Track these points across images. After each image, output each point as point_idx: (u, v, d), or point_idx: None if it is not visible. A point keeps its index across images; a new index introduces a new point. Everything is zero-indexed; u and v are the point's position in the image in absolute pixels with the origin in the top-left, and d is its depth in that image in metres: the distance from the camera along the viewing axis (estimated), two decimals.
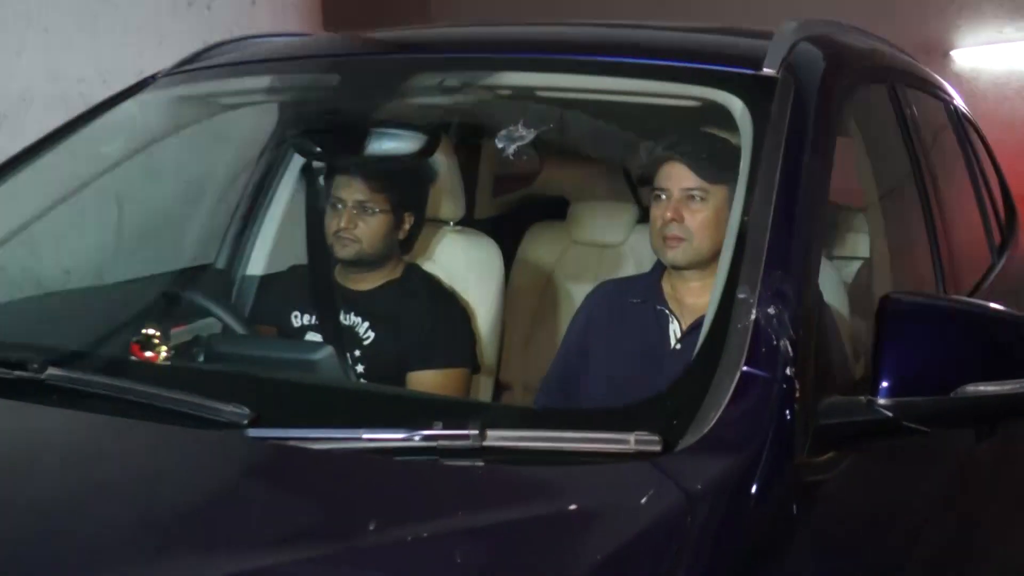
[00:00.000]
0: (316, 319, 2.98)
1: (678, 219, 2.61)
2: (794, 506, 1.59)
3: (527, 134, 2.18)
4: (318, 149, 2.91)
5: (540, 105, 2.59)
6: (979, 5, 9.33)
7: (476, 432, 1.56)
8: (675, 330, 2.69)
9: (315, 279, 3.03)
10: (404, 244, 3.01)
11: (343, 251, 2.92)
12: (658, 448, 1.56)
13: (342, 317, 2.96)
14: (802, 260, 1.83)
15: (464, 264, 3.19)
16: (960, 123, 3.40)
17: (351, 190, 2.90)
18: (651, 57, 2.35)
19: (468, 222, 3.43)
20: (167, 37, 4.39)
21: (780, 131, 2.02)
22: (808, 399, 1.69)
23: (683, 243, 2.62)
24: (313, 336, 2.96)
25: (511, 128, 2.19)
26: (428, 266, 3.18)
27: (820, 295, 1.88)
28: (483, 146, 3.99)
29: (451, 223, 3.25)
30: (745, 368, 1.64)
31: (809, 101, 2.13)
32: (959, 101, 3.59)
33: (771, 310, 1.71)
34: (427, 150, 2.94)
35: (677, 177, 2.62)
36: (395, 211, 2.92)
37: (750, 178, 1.96)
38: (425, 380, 2.84)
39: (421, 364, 2.86)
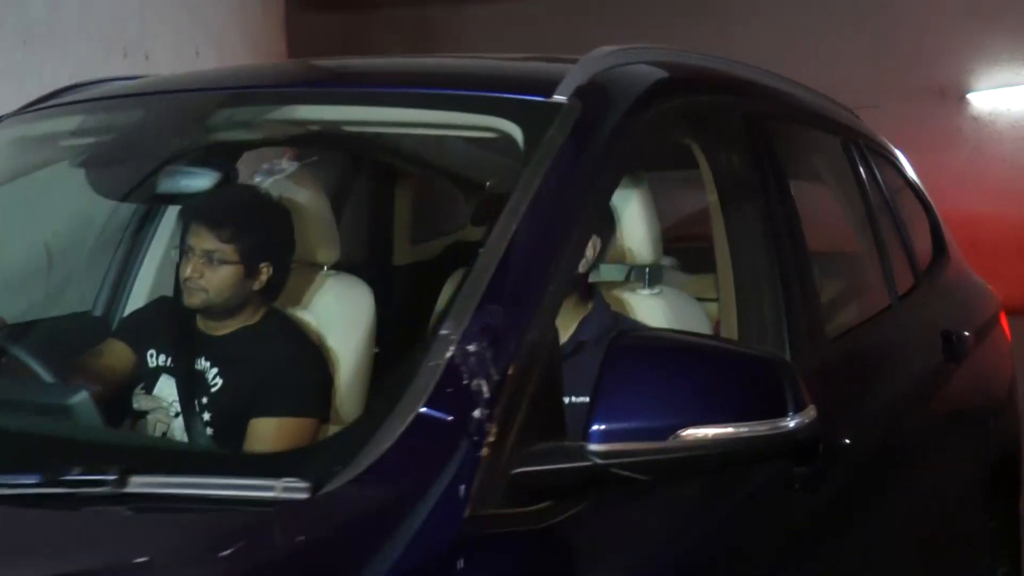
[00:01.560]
0: (171, 361, 2.89)
1: None
2: (460, 561, 1.45)
3: (288, 167, 2.07)
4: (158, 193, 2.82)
5: None
6: (995, 49, 9.15)
7: (115, 478, 1.44)
8: None
9: (176, 320, 2.93)
10: (266, 292, 2.90)
11: (190, 299, 2.82)
12: (305, 495, 1.42)
13: (196, 362, 2.86)
14: (536, 296, 1.70)
15: (335, 310, 3.07)
16: (862, 158, 3.23)
17: (199, 238, 2.80)
18: (444, 87, 2.24)
19: (384, 269, 3.34)
20: None
21: (544, 160, 1.89)
22: (507, 444, 1.55)
23: None
24: (165, 379, 2.87)
25: (273, 163, 2.09)
26: (299, 312, 3.07)
27: (555, 335, 1.74)
28: (398, 189, 3.90)
29: (325, 267, 3.14)
30: (423, 410, 1.51)
31: (592, 130, 2.00)
32: (867, 133, 3.42)
33: (473, 347, 1.58)
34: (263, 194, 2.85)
35: None
36: (247, 262, 2.81)
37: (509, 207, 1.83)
38: (265, 428, 2.73)
39: (264, 411, 2.74)
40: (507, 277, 1.70)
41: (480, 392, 1.54)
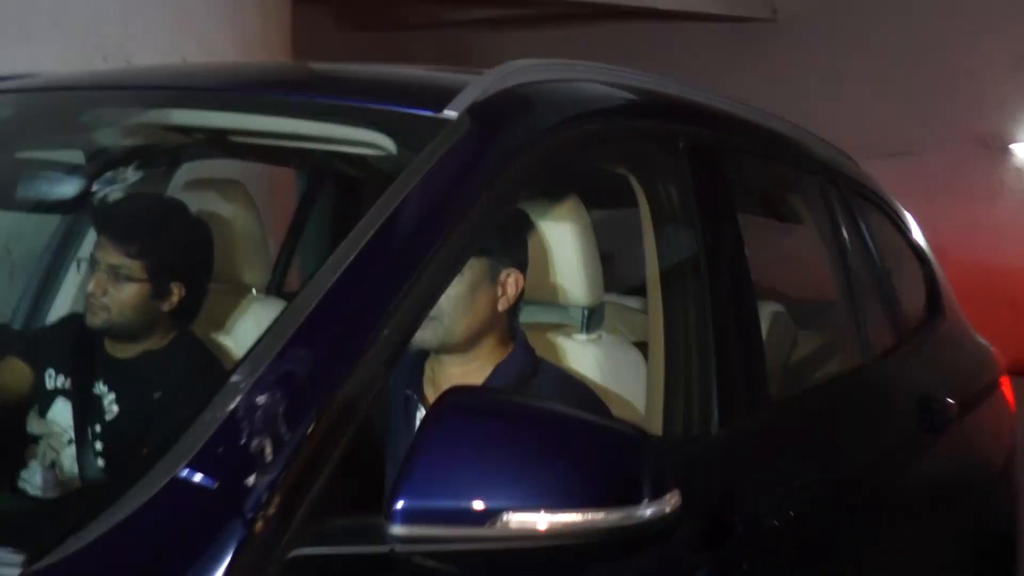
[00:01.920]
0: (69, 383, 2.66)
1: None
2: None
3: (133, 176, 1.84)
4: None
5: None
6: None
7: None
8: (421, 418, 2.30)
9: (80, 340, 2.71)
10: (177, 315, 2.67)
11: (91, 318, 2.59)
12: (15, 571, 1.18)
13: (95, 386, 2.64)
14: (362, 341, 1.44)
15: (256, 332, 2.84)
16: (843, 201, 2.95)
17: (105, 251, 2.57)
18: (328, 95, 1.99)
19: None
20: None
21: (407, 182, 1.65)
22: (293, 519, 1.29)
23: (432, 322, 2.24)
24: (62, 402, 2.64)
25: (117, 171, 1.85)
26: (220, 337, 2.84)
27: (384, 389, 1.49)
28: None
29: (254, 290, 2.91)
30: (182, 472, 1.26)
31: (477, 153, 1.75)
32: (856, 177, 3.13)
33: (263, 399, 1.33)
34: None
35: None
36: (154, 280, 2.58)
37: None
38: None
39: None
40: (329, 317, 1.45)
41: (262, 454, 1.29)
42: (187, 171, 2.92)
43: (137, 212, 2.68)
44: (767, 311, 3.15)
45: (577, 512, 1.33)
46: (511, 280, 2.30)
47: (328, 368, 1.40)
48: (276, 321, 1.44)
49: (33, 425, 2.66)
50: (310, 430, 1.34)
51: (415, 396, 2.34)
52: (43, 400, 2.66)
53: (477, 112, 1.82)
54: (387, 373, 1.48)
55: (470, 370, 2.32)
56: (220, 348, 2.83)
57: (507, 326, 2.37)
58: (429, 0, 9.94)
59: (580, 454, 1.36)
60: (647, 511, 1.38)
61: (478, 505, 1.31)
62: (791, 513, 2.08)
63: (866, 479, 2.53)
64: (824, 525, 2.22)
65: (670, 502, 1.40)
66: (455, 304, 2.24)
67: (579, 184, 2.42)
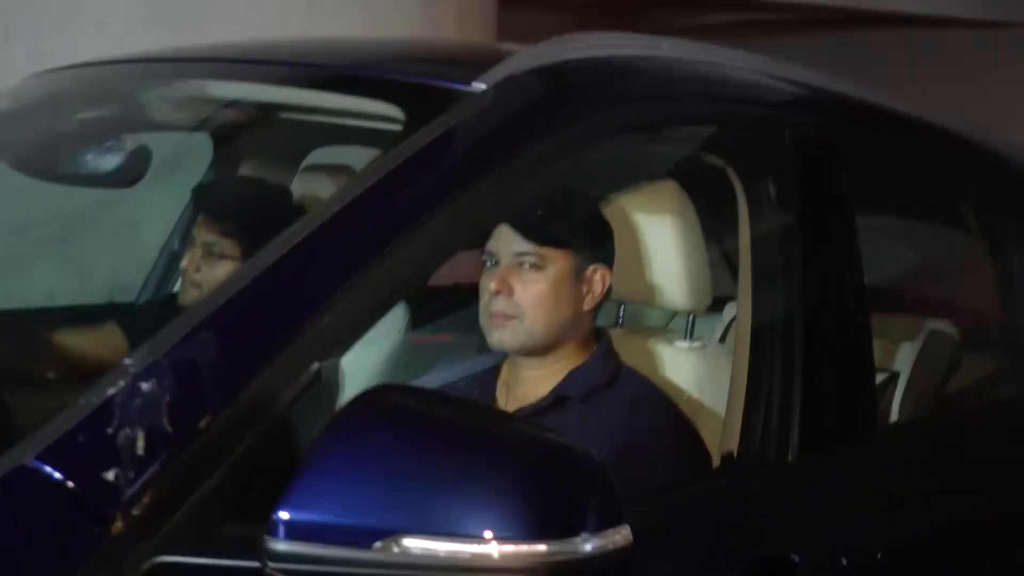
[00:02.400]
0: None
1: (505, 292, 2.05)
2: None
3: (127, 145, 1.72)
4: None
5: None
6: None
7: None
8: None
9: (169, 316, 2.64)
10: None
11: (183, 295, 2.55)
12: None
13: None
14: (293, 328, 1.27)
15: None
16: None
17: (201, 229, 2.52)
18: (350, 67, 1.83)
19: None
20: None
21: (398, 155, 1.47)
22: (163, 523, 1.13)
23: (512, 321, 2.06)
24: None
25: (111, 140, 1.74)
26: None
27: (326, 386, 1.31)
28: None
29: None
30: (32, 461, 1.12)
31: (493, 128, 1.56)
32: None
33: (149, 386, 1.17)
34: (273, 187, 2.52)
35: (506, 238, 2.06)
36: (247, 259, 2.49)
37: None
38: None
39: None
40: (254, 301, 1.28)
41: (132, 447, 1.13)
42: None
43: (236, 192, 2.63)
44: (924, 329, 2.81)
45: (491, 541, 1.11)
46: (598, 277, 2.10)
47: (239, 358, 1.23)
48: (198, 302, 1.28)
49: None
50: (203, 424, 1.18)
51: (483, 397, 2.16)
52: None
53: (506, 86, 1.63)
54: (327, 369, 1.29)
55: (545, 374, 2.12)
56: None
57: (591, 328, 2.16)
58: (659, 6, 9.69)
59: (505, 473, 1.15)
60: (586, 546, 1.15)
61: (368, 523, 1.11)
62: (865, 559, 1.77)
63: (984, 533, 2.16)
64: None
65: (616, 537, 1.16)
66: (538, 302, 2.05)
67: (673, 175, 2.17)
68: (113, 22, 3.93)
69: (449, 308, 2.76)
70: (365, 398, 1.19)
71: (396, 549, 1.10)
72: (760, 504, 1.80)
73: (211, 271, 2.48)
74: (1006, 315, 2.48)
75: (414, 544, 1.11)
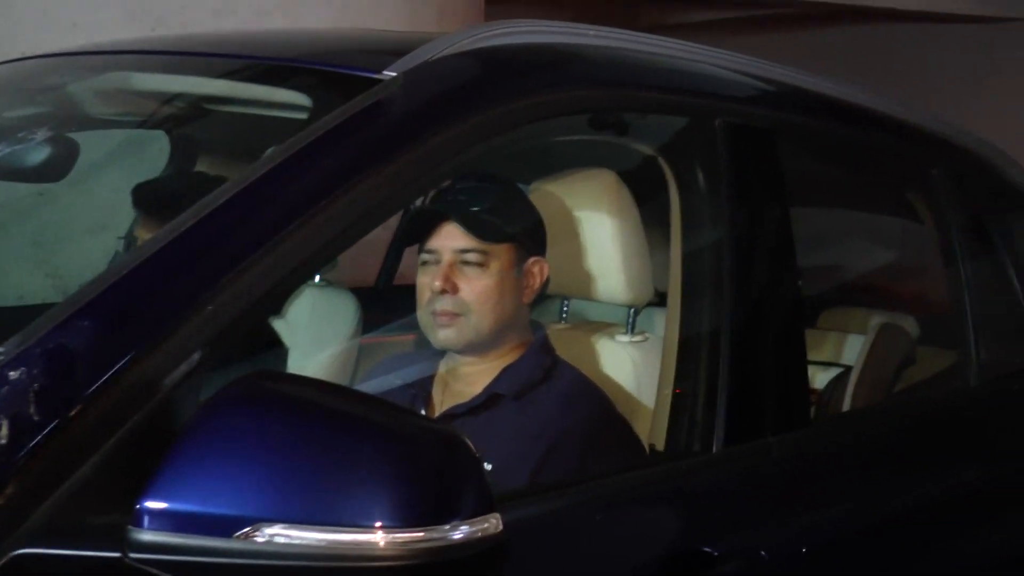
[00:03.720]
0: None
1: (451, 290, 2.04)
2: None
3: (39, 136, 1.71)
4: None
5: None
6: None
7: None
8: None
9: None
10: None
11: None
12: None
13: None
14: (173, 316, 1.26)
15: (307, 324, 2.71)
16: (972, 197, 2.55)
17: (142, 228, 2.50)
18: (262, 57, 1.82)
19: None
20: None
21: (295, 143, 1.46)
22: (30, 512, 1.13)
23: (458, 319, 2.05)
24: None
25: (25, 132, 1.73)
26: (276, 322, 2.73)
27: (196, 375, 1.29)
28: None
29: (316, 277, 2.78)
30: None
31: (395, 116, 1.55)
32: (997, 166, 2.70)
33: (17, 374, 1.17)
34: None
35: (448, 234, 2.05)
36: None
37: None
38: None
39: None
40: (137, 287, 1.28)
41: None
42: None
43: (172, 189, 2.60)
44: (872, 322, 2.80)
45: (357, 529, 1.11)
46: (537, 269, 2.09)
47: (115, 346, 1.22)
48: (80, 289, 1.27)
49: None
50: (73, 413, 1.17)
51: (420, 395, 2.15)
52: None
53: (416, 73, 1.62)
54: (212, 357, 1.29)
55: (481, 371, 2.11)
56: (274, 336, 2.72)
57: (527, 322, 2.15)
58: (657, 2, 9.66)
59: (375, 461, 1.14)
60: (456, 533, 1.14)
61: (230, 512, 1.10)
62: (783, 553, 1.76)
63: (922, 528, 2.13)
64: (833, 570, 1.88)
65: (485, 525, 1.15)
66: (484, 299, 2.04)
67: (606, 164, 2.16)
68: (86, 22, 3.93)
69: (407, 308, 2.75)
70: (238, 384, 1.18)
71: (259, 538, 1.09)
72: (678, 496, 1.79)
73: None
74: (956, 306, 2.45)
75: (277, 532, 1.10)
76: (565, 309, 2.46)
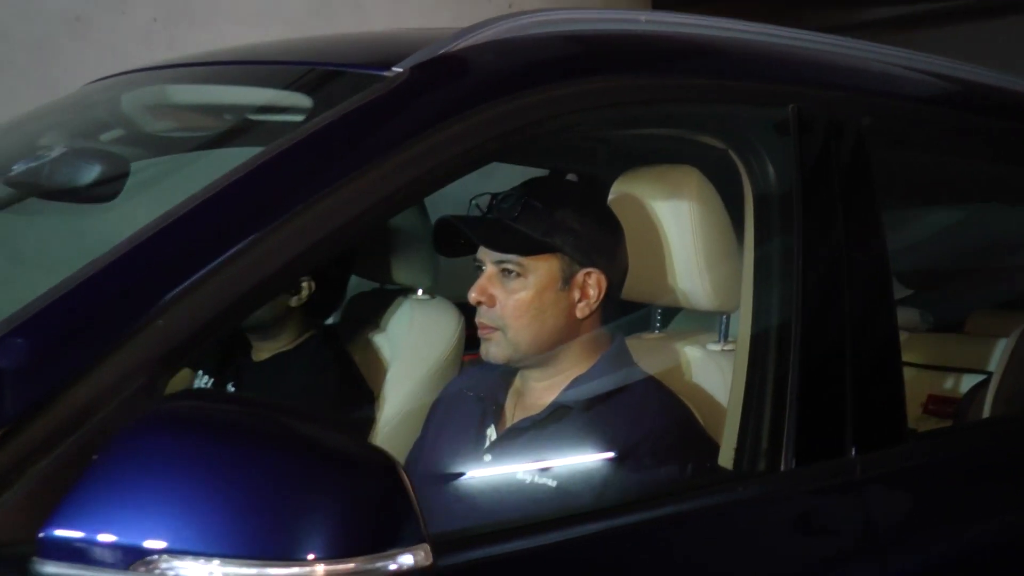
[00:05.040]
0: (210, 385, 2.59)
1: (487, 302, 1.94)
2: None
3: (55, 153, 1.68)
4: None
5: None
6: None
7: None
8: (491, 433, 2.00)
9: (229, 340, 2.63)
10: (309, 312, 2.52)
11: None
12: None
13: (224, 389, 2.55)
14: (120, 333, 1.19)
15: (411, 338, 2.63)
16: None
17: None
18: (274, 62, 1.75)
19: None
20: None
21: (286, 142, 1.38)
22: None
23: (496, 334, 1.94)
24: None
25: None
26: (379, 339, 2.67)
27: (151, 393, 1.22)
28: None
29: (419, 291, 2.71)
30: None
31: (394, 109, 1.45)
32: None
33: None
34: None
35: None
36: None
37: None
38: None
39: None
40: (82, 301, 1.21)
41: None
42: None
43: None
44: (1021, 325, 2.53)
45: (269, 563, 1.00)
46: (591, 281, 1.94)
47: (49, 364, 1.15)
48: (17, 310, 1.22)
49: None
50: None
51: (492, 406, 2.03)
52: None
53: (420, 70, 1.52)
54: (164, 376, 1.21)
55: (548, 385, 2.00)
56: (375, 350, 2.66)
57: (595, 335, 2.00)
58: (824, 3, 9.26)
59: (291, 485, 1.03)
60: (377, 564, 1.02)
61: (127, 541, 1.01)
62: None
63: None
64: None
65: (417, 558, 1.03)
66: (519, 313, 1.92)
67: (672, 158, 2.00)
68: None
69: None
70: (161, 406, 1.10)
71: (157, 570, 1.00)
72: (745, 518, 1.62)
73: None
74: None
75: (180, 565, 1.00)
76: (658, 317, 2.30)
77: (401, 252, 2.65)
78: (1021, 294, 2.85)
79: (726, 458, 1.73)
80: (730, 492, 1.63)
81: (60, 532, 1.04)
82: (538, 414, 1.94)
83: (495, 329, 1.93)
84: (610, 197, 2.12)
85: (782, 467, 1.65)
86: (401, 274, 2.67)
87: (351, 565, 1.01)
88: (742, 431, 1.70)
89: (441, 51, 1.56)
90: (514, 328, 1.92)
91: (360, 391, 2.49)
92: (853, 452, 1.70)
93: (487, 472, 1.96)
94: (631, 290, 2.04)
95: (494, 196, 1.97)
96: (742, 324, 1.80)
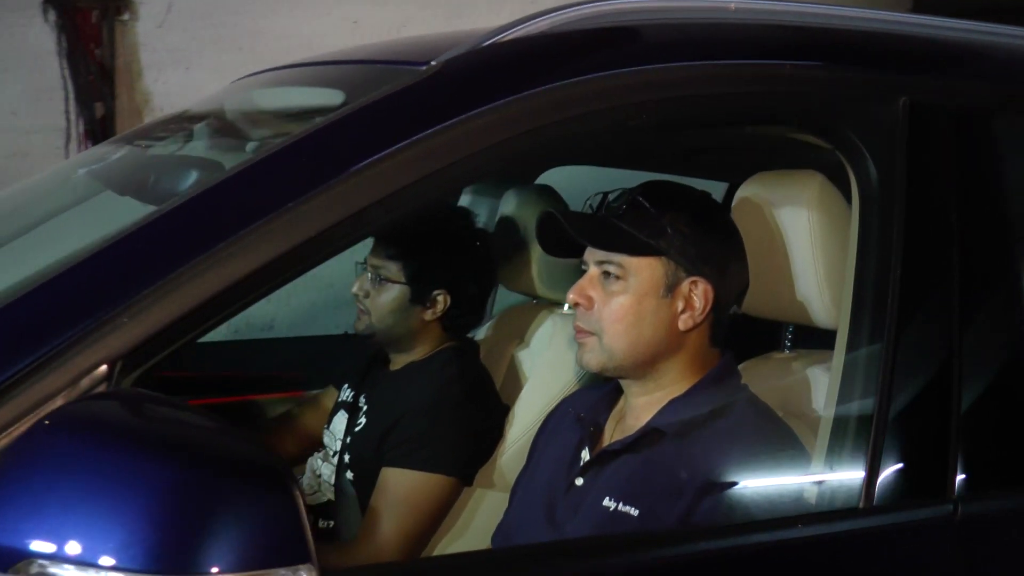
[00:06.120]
0: (351, 396, 2.58)
1: (585, 304, 1.84)
2: None
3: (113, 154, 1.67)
4: None
5: None
6: None
7: None
8: (585, 455, 1.89)
9: (368, 352, 2.63)
10: (446, 325, 2.48)
11: (356, 322, 2.49)
12: None
13: (360, 398, 2.53)
14: (51, 341, 1.16)
15: (551, 353, 2.54)
16: None
17: (371, 253, 2.47)
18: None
19: None
20: None
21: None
22: None
23: (591, 339, 1.84)
24: (340, 414, 2.56)
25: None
26: (522, 353, 2.60)
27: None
28: None
29: (566, 307, 2.62)
30: None
31: (416, 104, 1.39)
32: None
33: None
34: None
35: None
36: (414, 284, 2.40)
37: None
38: (390, 479, 2.31)
39: (392, 460, 2.33)
40: (30, 307, 1.19)
41: None
42: None
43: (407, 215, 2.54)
44: None
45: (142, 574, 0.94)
46: (697, 291, 1.80)
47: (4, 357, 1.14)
48: None
49: (324, 436, 2.61)
50: None
51: (590, 427, 1.92)
52: (333, 412, 2.61)
53: (451, 63, 1.45)
54: (124, 373, 1.17)
55: (647, 403, 1.86)
56: (516, 365, 2.58)
57: (701, 351, 1.85)
58: None
59: (179, 500, 0.97)
60: None
61: (13, 542, 0.97)
62: None
63: None
64: None
65: None
66: (617, 317, 1.80)
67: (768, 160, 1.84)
68: None
69: None
70: (65, 406, 1.06)
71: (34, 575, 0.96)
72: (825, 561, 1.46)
73: (378, 296, 2.42)
74: None
75: (59, 572, 0.96)
76: (789, 335, 2.12)
77: (545, 265, 2.56)
78: None
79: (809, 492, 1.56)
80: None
81: None
82: (629, 436, 1.81)
83: (591, 334, 1.82)
84: (733, 204, 1.97)
85: (859, 505, 1.47)
86: (546, 288, 2.59)
87: None
88: (828, 462, 1.53)
89: (479, 44, 1.47)
90: (610, 334, 1.80)
91: (485, 407, 2.41)
92: (956, 491, 1.50)
93: (574, 497, 1.84)
94: (747, 304, 1.89)
95: (606, 195, 1.86)
96: (839, 336, 1.63)
